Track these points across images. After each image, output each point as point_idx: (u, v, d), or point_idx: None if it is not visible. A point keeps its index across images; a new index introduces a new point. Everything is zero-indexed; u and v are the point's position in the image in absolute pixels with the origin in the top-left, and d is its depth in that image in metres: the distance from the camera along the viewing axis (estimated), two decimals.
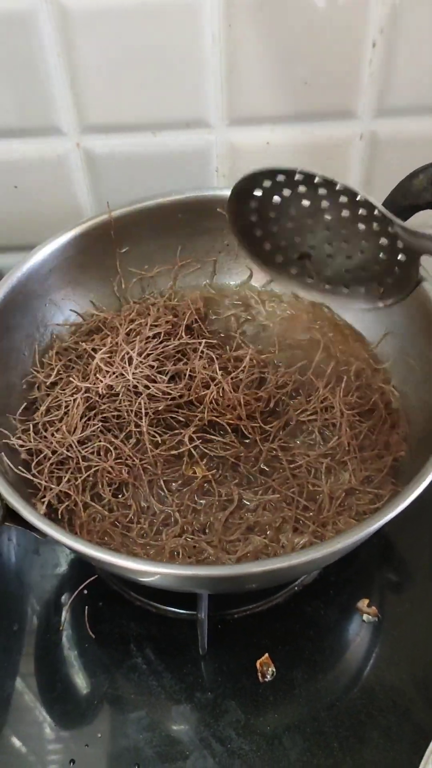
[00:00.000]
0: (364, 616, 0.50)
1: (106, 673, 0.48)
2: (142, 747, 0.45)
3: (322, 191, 0.43)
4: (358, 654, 0.49)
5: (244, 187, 0.45)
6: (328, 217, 0.45)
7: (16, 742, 0.46)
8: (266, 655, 0.48)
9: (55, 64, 0.53)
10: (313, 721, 0.46)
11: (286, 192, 0.44)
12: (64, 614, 0.50)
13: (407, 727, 0.45)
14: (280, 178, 0.44)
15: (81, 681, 0.48)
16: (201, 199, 0.54)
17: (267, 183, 0.44)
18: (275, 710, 0.46)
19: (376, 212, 0.43)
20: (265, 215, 0.46)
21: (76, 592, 0.51)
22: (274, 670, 0.48)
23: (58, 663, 0.49)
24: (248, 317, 0.58)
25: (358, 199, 0.43)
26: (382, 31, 0.51)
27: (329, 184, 0.43)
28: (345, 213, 0.44)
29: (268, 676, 0.48)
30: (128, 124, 0.57)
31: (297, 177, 0.43)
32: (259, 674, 0.48)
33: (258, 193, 0.45)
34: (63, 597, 0.51)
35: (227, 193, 0.54)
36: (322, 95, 0.55)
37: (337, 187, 0.43)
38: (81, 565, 0.53)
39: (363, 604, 0.51)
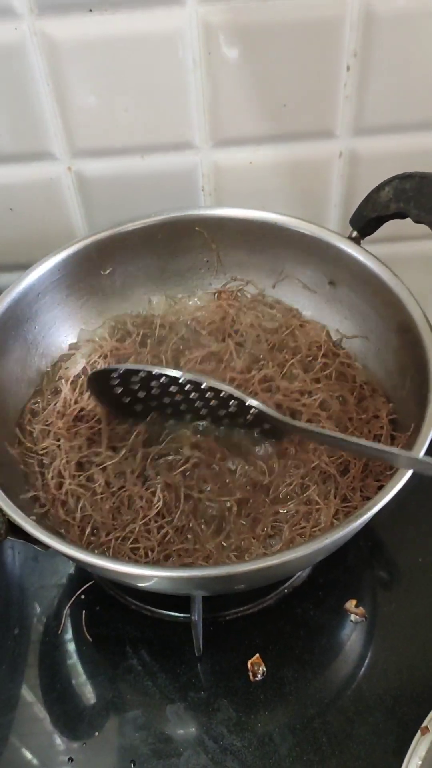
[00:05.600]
0: (352, 617, 0.52)
1: (103, 675, 0.50)
2: (138, 745, 0.46)
3: (182, 381, 0.48)
4: (346, 653, 0.50)
5: (99, 376, 0.50)
6: (190, 387, 0.49)
7: (18, 741, 0.47)
8: (257, 655, 0.50)
9: (45, 93, 0.55)
10: (302, 718, 0.47)
11: (142, 374, 0.48)
12: (63, 618, 0.52)
13: (393, 723, 0.47)
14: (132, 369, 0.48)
15: (79, 682, 0.50)
16: (179, 219, 0.56)
17: (121, 371, 0.49)
18: (266, 708, 0.48)
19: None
20: (128, 387, 0.50)
21: (74, 597, 0.53)
22: (265, 669, 0.49)
23: (57, 665, 0.50)
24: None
25: (222, 395, 0.48)
26: (355, 55, 0.53)
27: (193, 382, 0.48)
28: (206, 389, 0.48)
29: (259, 676, 0.49)
30: (117, 148, 0.59)
31: (155, 372, 0.48)
32: (251, 674, 0.49)
33: (115, 375, 0.49)
34: (61, 602, 0.53)
35: (205, 212, 0.57)
36: (301, 117, 0.57)
37: (203, 386, 0.48)
38: (78, 571, 0.55)
39: (351, 604, 0.52)
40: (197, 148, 0.59)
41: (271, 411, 0.48)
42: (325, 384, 0.54)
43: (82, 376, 0.55)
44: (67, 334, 0.58)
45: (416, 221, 0.47)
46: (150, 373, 0.48)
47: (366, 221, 0.50)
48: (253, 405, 0.48)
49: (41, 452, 0.52)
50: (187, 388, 0.49)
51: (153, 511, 0.48)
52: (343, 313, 0.56)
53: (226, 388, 0.48)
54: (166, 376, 0.48)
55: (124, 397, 0.51)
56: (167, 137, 0.58)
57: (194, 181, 0.61)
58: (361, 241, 0.52)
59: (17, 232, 0.65)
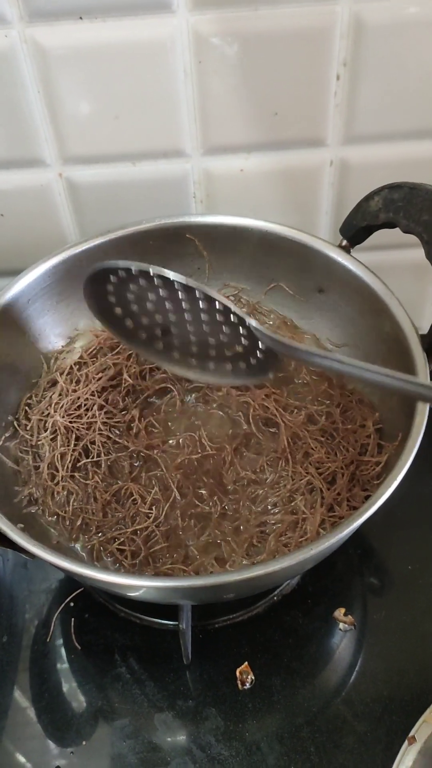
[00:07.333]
0: (341, 625, 0.52)
1: (91, 683, 0.50)
2: (126, 753, 0.46)
3: (178, 286, 0.43)
4: (334, 661, 0.51)
5: (99, 275, 0.45)
6: (186, 305, 0.45)
7: (5, 749, 0.47)
8: (246, 663, 0.50)
9: (36, 100, 0.55)
10: (290, 727, 0.47)
11: (142, 282, 0.44)
12: (52, 626, 0.52)
13: (381, 732, 0.47)
14: (135, 271, 0.43)
15: (67, 690, 0.50)
16: (171, 226, 0.56)
17: (122, 273, 0.44)
18: (254, 717, 0.48)
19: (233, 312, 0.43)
20: (123, 296, 0.46)
21: (63, 605, 0.53)
22: (254, 677, 0.49)
23: (46, 673, 0.50)
24: None
25: (216, 302, 0.43)
26: (345, 64, 0.53)
27: (185, 286, 0.43)
28: (203, 305, 0.44)
29: (248, 684, 0.49)
30: (108, 155, 0.59)
31: (152, 272, 0.43)
32: (239, 682, 0.49)
33: (113, 279, 0.45)
34: (51, 609, 0.53)
35: (196, 219, 0.57)
36: (291, 125, 0.57)
37: (196, 293, 0.43)
38: (68, 578, 0.55)
39: (339, 612, 0.52)
40: (188, 156, 0.59)
41: (267, 331, 0.43)
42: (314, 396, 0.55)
43: (79, 365, 0.56)
44: (57, 340, 0.58)
45: (405, 231, 0.47)
46: (147, 274, 0.43)
47: (355, 230, 0.50)
48: (252, 324, 0.42)
49: (37, 443, 0.52)
50: (184, 305, 0.44)
51: (146, 507, 0.49)
52: (333, 320, 0.57)
53: (223, 299, 0.43)
54: (163, 279, 0.43)
55: (116, 308, 0.47)
56: (158, 144, 0.58)
57: (185, 188, 0.61)
58: (351, 250, 0.52)
59: (8, 238, 0.64)
